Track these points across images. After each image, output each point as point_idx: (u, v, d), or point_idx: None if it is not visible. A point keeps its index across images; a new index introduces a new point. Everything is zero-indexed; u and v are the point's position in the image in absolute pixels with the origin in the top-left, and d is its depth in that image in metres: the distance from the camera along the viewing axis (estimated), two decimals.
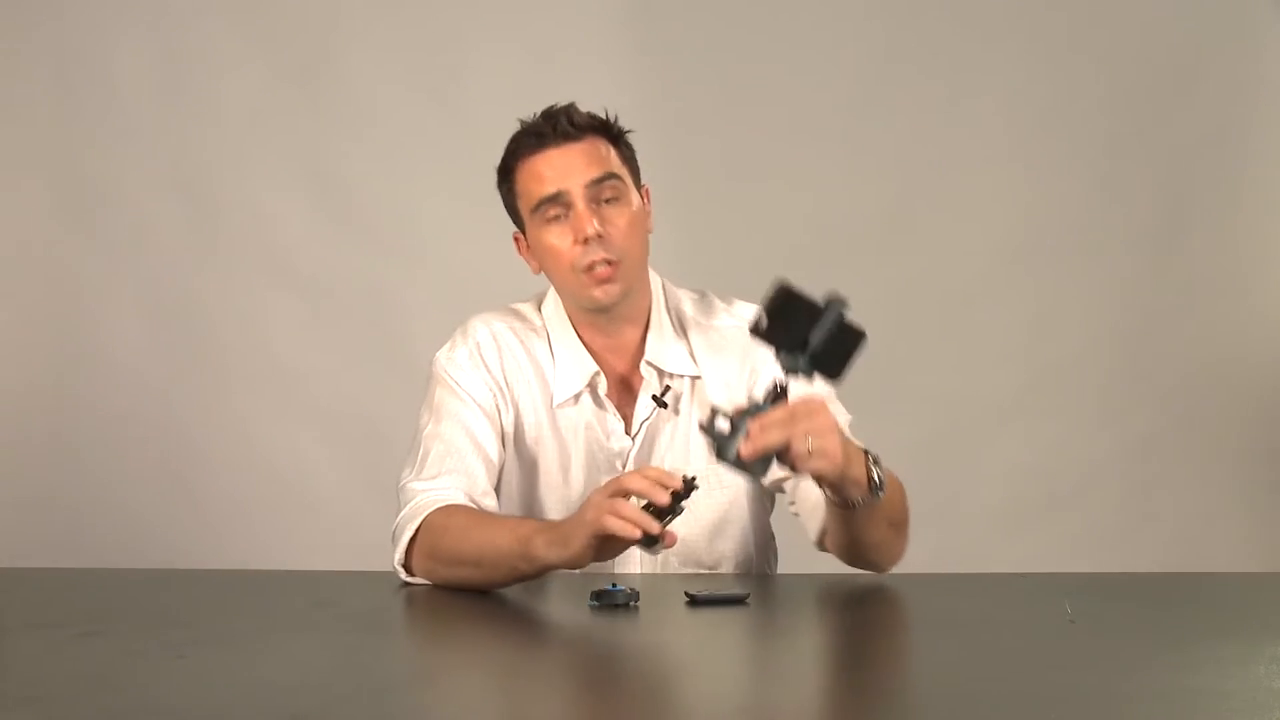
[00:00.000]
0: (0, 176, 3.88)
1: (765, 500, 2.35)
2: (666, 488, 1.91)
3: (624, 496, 1.92)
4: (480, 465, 2.25)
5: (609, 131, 2.29)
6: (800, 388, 1.93)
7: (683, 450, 2.29)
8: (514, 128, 2.30)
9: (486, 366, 2.30)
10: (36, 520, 3.81)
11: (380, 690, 1.54)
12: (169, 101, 3.89)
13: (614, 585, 1.95)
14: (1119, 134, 3.97)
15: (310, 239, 3.90)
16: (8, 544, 3.64)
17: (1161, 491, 3.97)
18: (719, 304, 2.36)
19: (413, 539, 2.17)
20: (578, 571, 2.05)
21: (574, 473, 2.30)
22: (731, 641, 1.89)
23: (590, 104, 2.29)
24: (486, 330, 2.33)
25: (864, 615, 2.07)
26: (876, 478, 2.03)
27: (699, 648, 1.83)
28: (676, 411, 2.30)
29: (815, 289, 1.90)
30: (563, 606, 2.05)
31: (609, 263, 2.22)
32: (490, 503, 2.24)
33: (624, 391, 2.31)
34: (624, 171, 2.27)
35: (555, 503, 2.30)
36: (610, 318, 2.29)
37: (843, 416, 2.18)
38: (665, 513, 1.91)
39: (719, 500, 2.29)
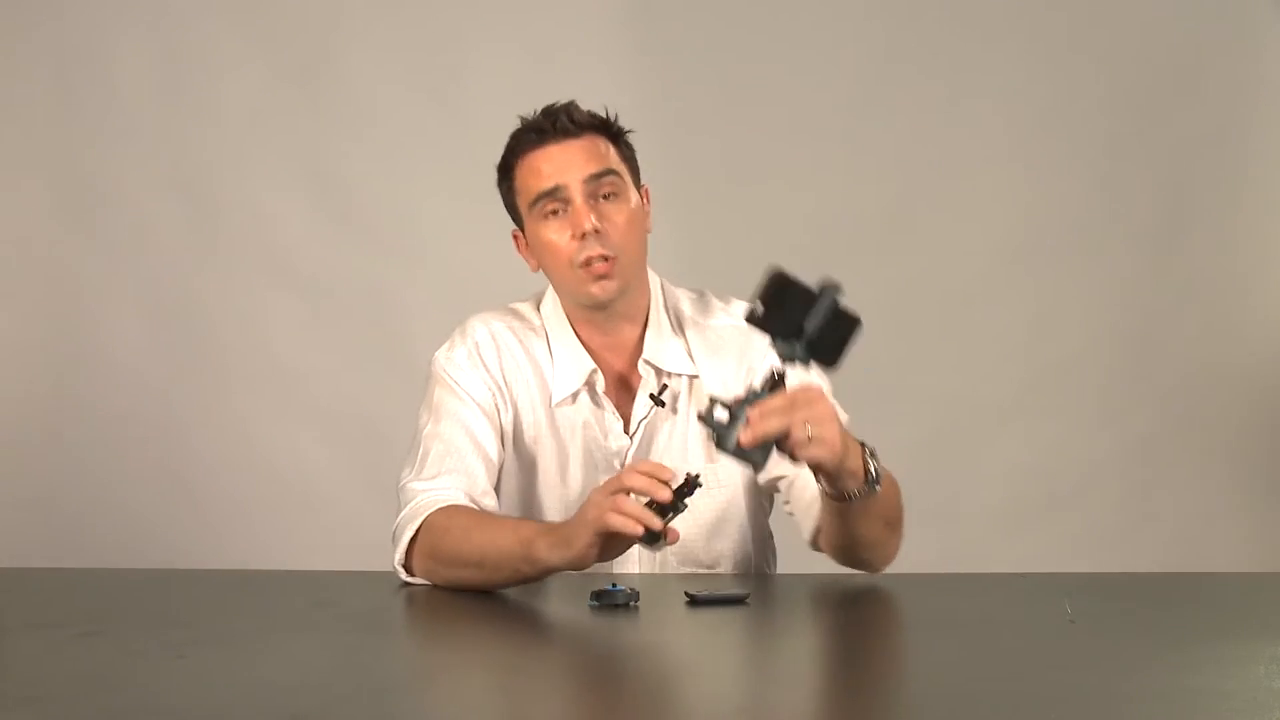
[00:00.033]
0: (0, 176, 3.88)
1: (763, 500, 2.35)
2: (664, 482, 1.91)
3: (624, 494, 1.92)
4: (480, 465, 2.25)
5: (609, 130, 2.29)
6: (798, 376, 1.93)
7: (680, 449, 2.29)
8: (514, 127, 2.30)
9: (485, 366, 2.31)
10: (36, 520, 3.81)
11: (380, 690, 1.54)
12: (169, 101, 3.89)
13: (614, 585, 1.95)
14: (1119, 134, 3.97)
15: (310, 239, 3.90)
16: (8, 544, 3.64)
17: (1161, 491, 3.97)
18: (717, 303, 2.36)
19: (413, 539, 2.17)
20: (576, 572, 2.04)
21: (572, 471, 2.30)
22: (731, 641, 1.89)
23: (590, 104, 2.30)
24: (485, 330, 2.33)
25: (864, 615, 2.07)
26: (873, 470, 2.02)
27: (699, 648, 1.83)
28: (674, 410, 2.30)
29: (811, 281, 1.89)
30: (563, 606, 2.05)
31: (606, 258, 2.22)
32: (490, 502, 2.24)
33: (622, 390, 2.31)
34: (623, 169, 2.28)
35: (553, 502, 2.30)
36: (608, 316, 2.29)
37: (841, 415, 2.18)
38: (667, 509, 1.91)
39: (717, 499, 2.29)
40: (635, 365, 2.30)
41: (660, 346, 2.30)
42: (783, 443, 1.90)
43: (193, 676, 1.61)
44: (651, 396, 2.28)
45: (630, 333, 2.31)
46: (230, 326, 3.89)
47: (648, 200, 2.32)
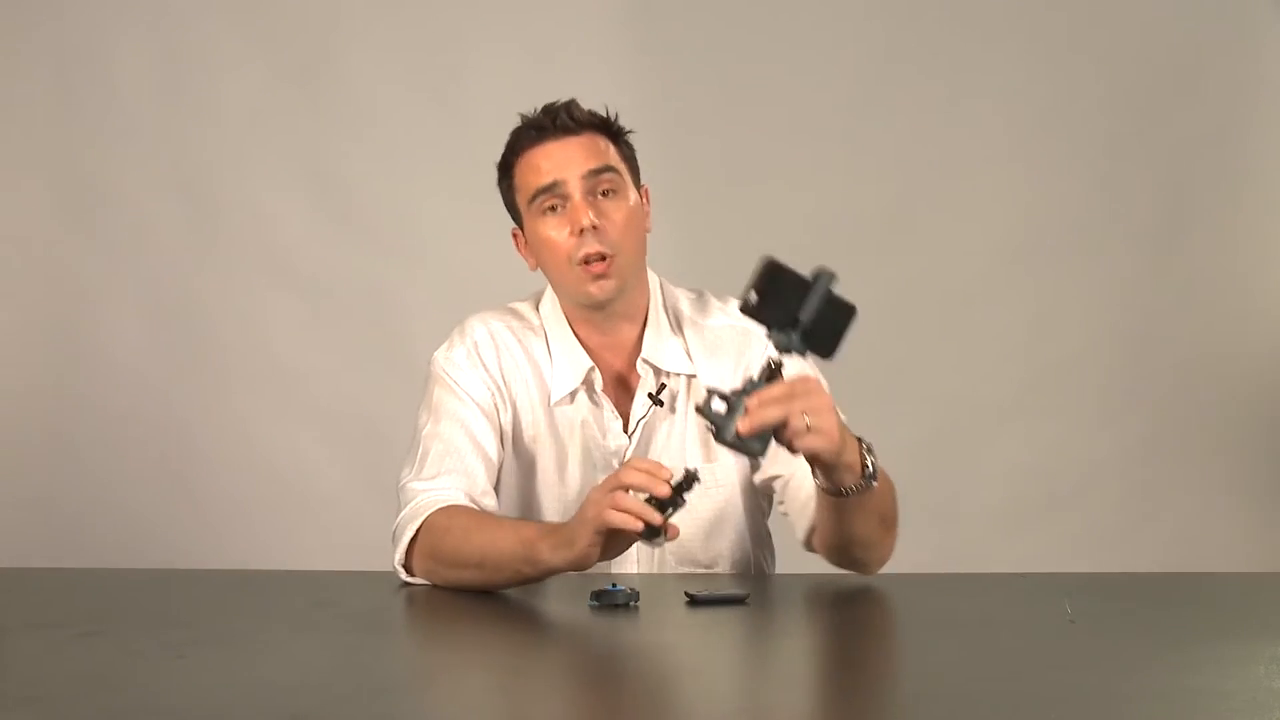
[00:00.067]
0: (0, 176, 3.88)
1: (761, 500, 2.35)
2: (662, 478, 1.90)
3: (623, 491, 1.92)
4: (480, 465, 2.25)
5: (609, 128, 2.29)
6: (795, 366, 1.92)
7: (679, 448, 2.29)
8: (514, 127, 2.30)
9: (484, 365, 2.31)
10: (36, 520, 3.81)
11: (380, 690, 1.54)
12: (169, 101, 3.89)
13: (614, 585, 1.95)
14: (1119, 134, 3.97)
15: (310, 239, 3.90)
16: (8, 544, 3.64)
17: (1161, 491, 3.97)
18: (715, 303, 2.36)
19: (413, 539, 2.17)
20: (575, 572, 2.04)
21: (570, 470, 2.30)
22: (731, 641, 1.89)
23: (590, 104, 2.30)
24: (484, 329, 2.33)
25: (864, 615, 2.07)
26: (870, 465, 2.02)
27: (699, 648, 1.83)
28: (673, 410, 2.30)
29: (806, 272, 1.89)
30: (563, 606, 2.05)
31: (604, 257, 2.22)
32: (490, 502, 2.24)
33: (621, 390, 2.31)
34: (622, 167, 2.28)
35: (552, 501, 2.30)
36: (606, 315, 2.29)
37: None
38: (666, 505, 1.90)
39: (714, 499, 2.29)
40: (634, 364, 2.30)
41: (659, 346, 2.30)
42: (780, 433, 1.89)
43: (193, 676, 1.61)
44: (650, 396, 2.28)
45: (629, 332, 2.31)
46: (230, 326, 3.89)
47: (647, 200, 2.32)
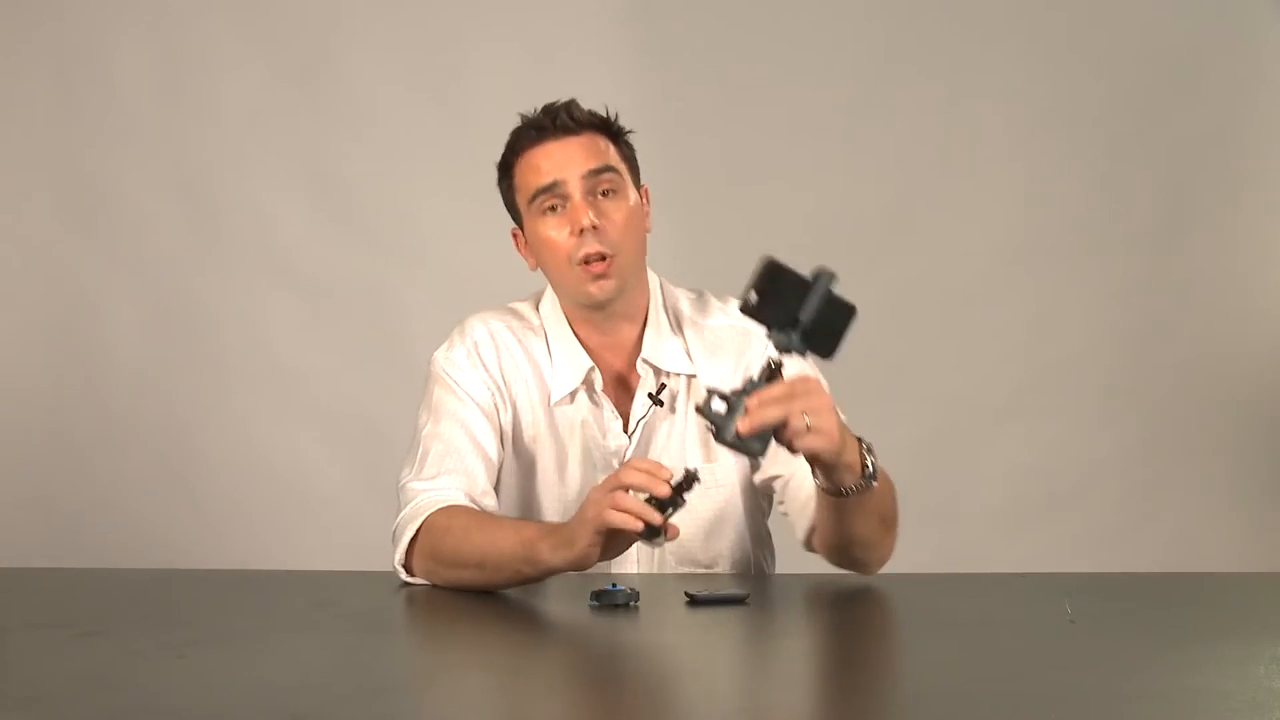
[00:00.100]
0: (0, 176, 3.88)
1: (761, 500, 2.34)
2: (662, 478, 1.90)
3: (623, 491, 1.92)
4: (480, 465, 2.25)
5: (609, 128, 2.29)
6: (795, 366, 1.92)
7: (679, 448, 2.29)
8: (514, 127, 2.30)
9: (484, 365, 2.30)
10: (36, 520, 3.81)
11: (380, 690, 1.54)
12: (169, 101, 3.89)
13: (614, 585, 1.95)
14: (1119, 134, 3.97)
15: (310, 239, 3.90)
16: (8, 544, 3.64)
17: (1161, 491, 3.97)
18: (715, 303, 2.36)
19: (413, 540, 2.17)
20: (575, 572, 2.04)
21: (570, 470, 2.30)
22: (731, 641, 1.89)
23: (590, 104, 2.30)
24: (484, 329, 2.33)
25: (864, 615, 2.07)
26: (870, 465, 2.02)
27: (699, 648, 1.83)
28: (673, 410, 2.30)
29: (805, 272, 1.89)
30: (563, 606, 2.05)
31: (604, 257, 2.22)
32: (490, 502, 2.24)
33: (621, 390, 2.31)
34: (622, 167, 2.28)
35: (551, 501, 2.30)
36: (606, 315, 2.29)
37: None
38: (666, 504, 1.90)
39: (714, 499, 2.29)
40: (634, 364, 2.30)
41: (659, 346, 2.30)
42: (780, 432, 1.89)
43: (193, 676, 1.61)
44: (650, 396, 2.28)
45: (629, 332, 2.31)
46: (230, 326, 3.89)
47: (647, 201, 2.32)
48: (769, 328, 1.87)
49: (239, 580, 2.46)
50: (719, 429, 1.86)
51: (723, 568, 2.32)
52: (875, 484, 2.03)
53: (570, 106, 2.27)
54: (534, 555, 2.01)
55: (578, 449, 2.30)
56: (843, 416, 2.09)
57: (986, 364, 3.96)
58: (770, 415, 1.87)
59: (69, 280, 3.89)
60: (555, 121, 2.25)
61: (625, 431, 2.29)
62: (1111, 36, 3.98)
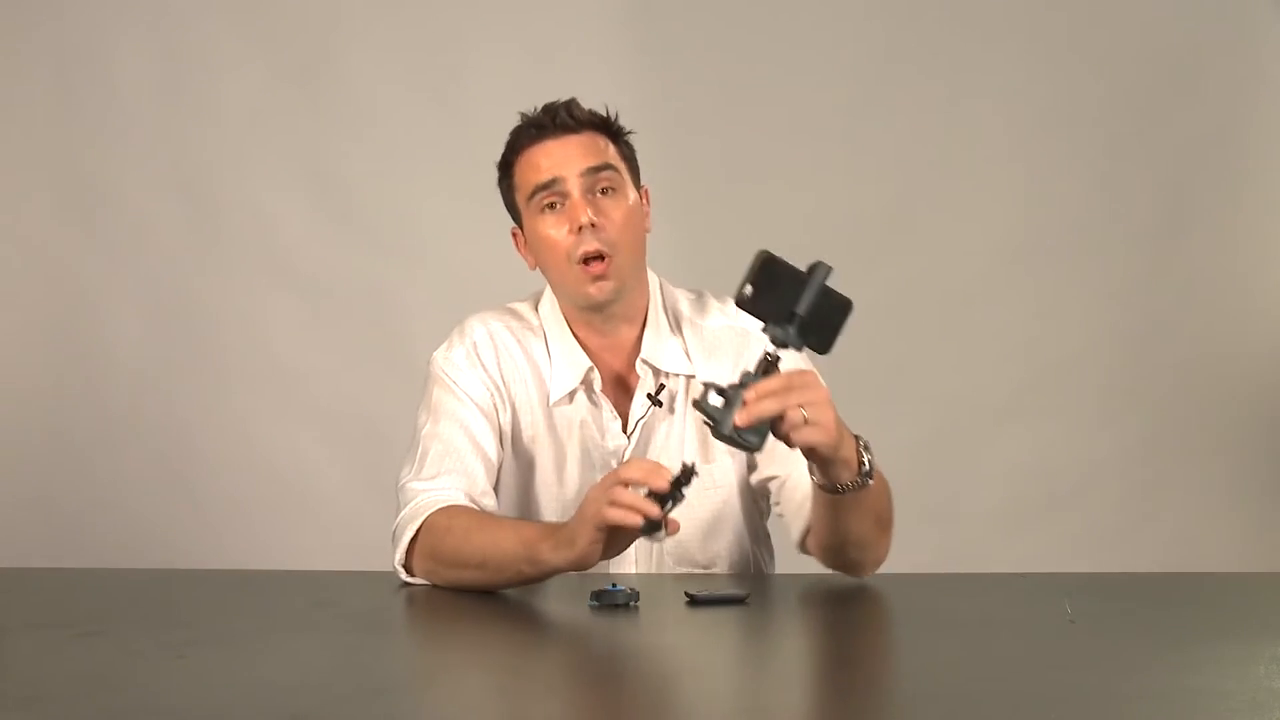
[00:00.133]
0: (0, 176, 3.88)
1: (759, 500, 2.34)
2: (661, 473, 1.90)
3: (621, 486, 1.92)
4: (479, 465, 2.25)
5: (608, 128, 2.29)
6: (791, 361, 1.92)
7: (677, 449, 2.28)
8: (514, 127, 2.30)
9: (483, 366, 2.30)
10: (36, 520, 3.81)
11: (380, 690, 1.54)
12: (169, 101, 3.89)
13: (614, 585, 1.95)
14: (1119, 134, 3.97)
15: (310, 239, 3.90)
16: (8, 544, 3.65)
17: (1161, 491, 3.98)
18: (714, 304, 2.35)
19: (413, 540, 2.17)
20: (574, 573, 2.04)
21: (569, 470, 2.30)
22: (731, 641, 1.89)
23: (590, 104, 2.30)
24: (483, 329, 2.33)
25: (863, 615, 2.07)
26: (867, 462, 2.01)
27: (699, 648, 1.83)
28: (671, 410, 2.30)
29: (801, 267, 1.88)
30: (563, 606, 2.05)
31: (602, 256, 2.22)
32: (490, 502, 2.24)
33: (620, 390, 2.31)
34: (622, 166, 2.28)
35: (550, 501, 2.30)
36: (606, 317, 2.29)
37: None
38: (665, 499, 1.90)
39: (711, 500, 2.29)
40: (633, 365, 2.30)
41: (658, 346, 2.30)
42: (778, 426, 1.88)
43: (193, 676, 1.61)
44: (649, 396, 2.28)
45: (628, 333, 2.31)
46: (230, 326, 3.89)
47: (647, 201, 2.32)
48: (764, 321, 1.87)
49: (239, 580, 2.46)
50: (716, 423, 1.86)
51: (721, 568, 2.32)
52: (871, 482, 2.02)
53: (570, 105, 2.27)
54: (535, 555, 2.01)
55: (576, 449, 2.30)
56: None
57: (986, 364, 3.96)
58: (767, 408, 1.86)
59: (69, 280, 3.89)
60: (555, 120, 2.26)
61: (624, 432, 2.29)
62: (1111, 36, 3.98)
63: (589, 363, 2.29)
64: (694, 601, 1.97)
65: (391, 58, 3.91)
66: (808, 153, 3.95)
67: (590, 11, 3.93)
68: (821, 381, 1.95)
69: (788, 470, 2.22)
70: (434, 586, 2.16)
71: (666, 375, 2.29)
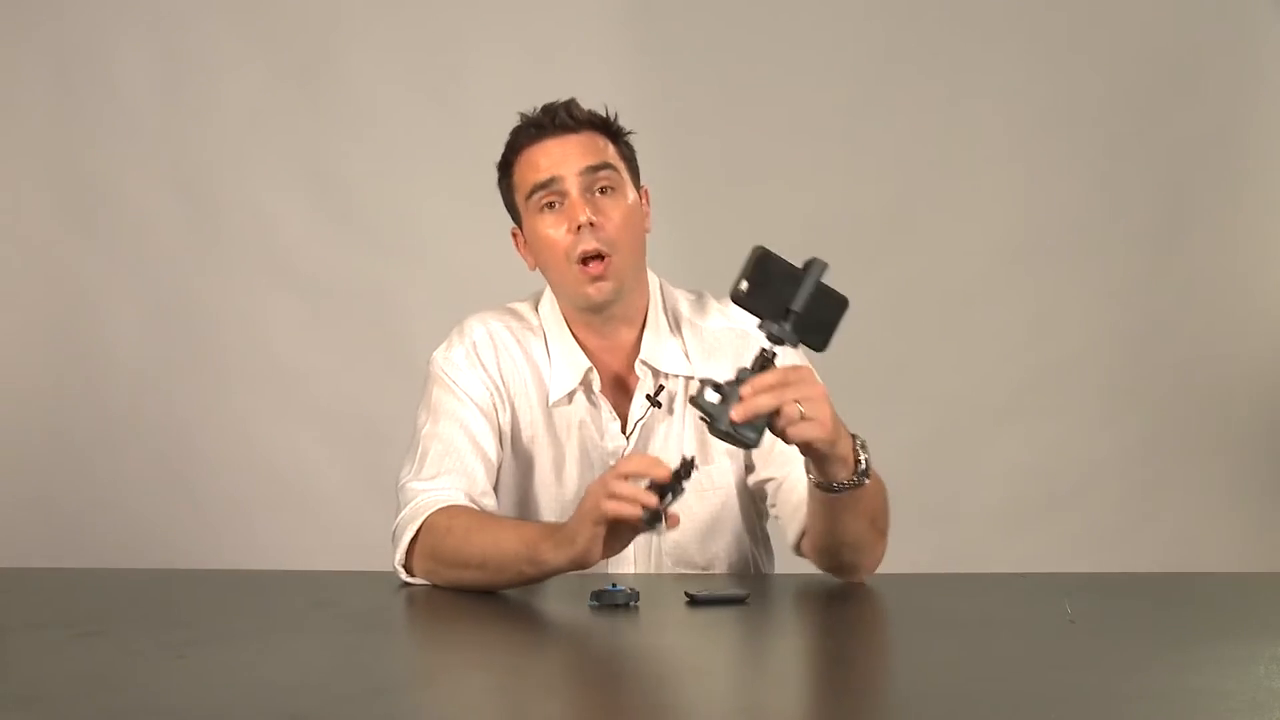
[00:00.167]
0: (0, 176, 3.88)
1: (758, 501, 2.34)
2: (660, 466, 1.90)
3: (620, 480, 1.92)
4: (479, 465, 2.25)
5: (608, 128, 2.29)
6: (787, 357, 1.92)
7: (676, 450, 2.28)
8: (514, 127, 2.31)
9: (483, 365, 2.30)
10: (36, 520, 3.81)
11: (380, 690, 1.54)
12: (169, 101, 3.89)
13: (614, 585, 1.94)
14: (1119, 134, 3.97)
15: (310, 239, 3.90)
16: (8, 544, 3.65)
17: (1161, 491, 3.98)
18: (714, 305, 2.35)
19: (413, 540, 2.17)
20: (573, 573, 2.04)
21: (568, 471, 2.30)
22: (732, 641, 1.89)
23: (590, 104, 2.30)
24: (483, 329, 2.33)
25: (864, 615, 2.07)
26: (863, 461, 2.00)
27: (699, 648, 1.83)
28: (671, 411, 2.29)
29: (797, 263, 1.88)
30: (563, 606, 2.05)
31: (601, 256, 2.22)
32: (490, 503, 2.24)
33: (619, 391, 2.31)
34: (621, 166, 2.27)
35: (549, 501, 2.30)
36: (605, 318, 2.28)
37: None
38: (665, 491, 1.90)
39: (710, 502, 2.29)
40: (632, 366, 2.30)
41: (657, 347, 2.30)
42: (774, 421, 1.88)
43: (193, 676, 1.61)
44: (648, 397, 2.28)
45: (628, 334, 2.31)
46: (230, 326, 3.89)
47: (647, 201, 2.32)
48: (760, 318, 1.86)
49: (239, 580, 2.46)
50: (713, 419, 1.85)
51: (720, 569, 2.32)
52: (868, 481, 2.01)
53: (570, 105, 2.27)
54: (536, 555, 2.01)
55: (575, 450, 2.30)
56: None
57: (986, 364, 3.96)
58: (764, 403, 1.86)
59: (69, 280, 3.89)
60: (554, 120, 2.26)
61: (623, 433, 2.29)
62: (1111, 36, 3.98)
63: (588, 363, 2.29)
64: (694, 601, 1.97)
65: (391, 58, 3.91)
66: (808, 153, 3.95)
67: (590, 11, 3.93)
68: (818, 377, 1.95)
69: (785, 472, 2.21)
70: (434, 586, 2.16)
71: (666, 376, 2.29)
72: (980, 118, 3.97)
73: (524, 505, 2.31)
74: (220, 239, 3.90)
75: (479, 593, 2.09)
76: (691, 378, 2.29)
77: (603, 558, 1.98)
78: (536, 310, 2.35)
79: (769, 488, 2.26)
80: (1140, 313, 3.99)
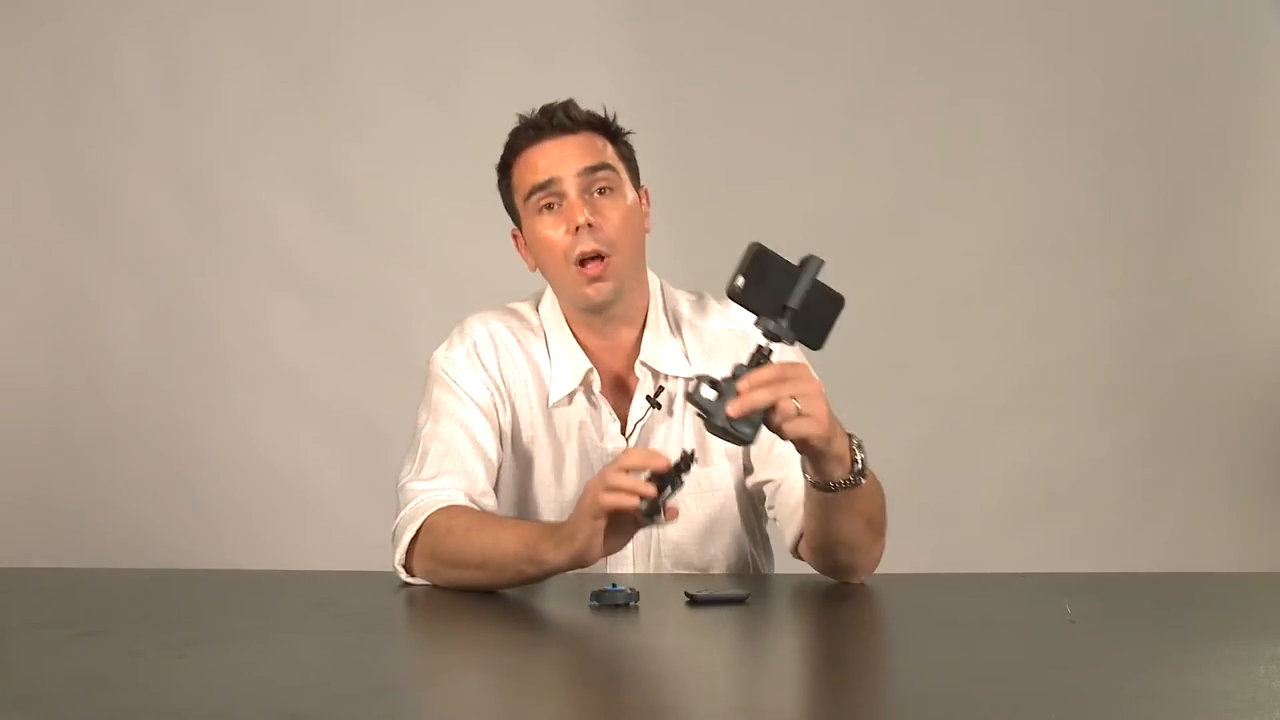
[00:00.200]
0: (0, 176, 3.88)
1: (757, 502, 2.33)
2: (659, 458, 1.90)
3: (617, 472, 1.91)
4: (479, 465, 2.25)
5: (606, 128, 2.29)
6: (783, 354, 1.92)
7: (676, 452, 2.27)
8: (514, 128, 2.30)
9: (484, 365, 2.30)
10: (36, 520, 3.81)
11: (380, 690, 1.54)
12: (169, 101, 3.89)
13: (614, 585, 1.94)
14: (1119, 134, 3.97)
15: (310, 239, 3.90)
16: (8, 544, 3.65)
17: (1161, 491, 3.98)
18: (715, 306, 2.35)
19: (413, 540, 2.17)
20: (573, 573, 2.04)
21: (568, 471, 2.30)
22: (731, 641, 1.89)
23: (590, 104, 2.30)
24: (484, 329, 2.33)
25: (863, 615, 2.07)
26: (859, 460, 2.00)
27: (699, 648, 1.83)
28: (670, 413, 2.29)
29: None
30: (563, 606, 2.05)
31: (600, 256, 2.22)
32: (490, 503, 2.24)
33: (619, 392, 2.31)
34: (619, 166, 2.27)
35: (548, 502, 2.30)
36: (605, 319, 2.28)
37: None
38: (665, 483, 1.90)
39: (709, 504, 2.29)
40: (632, 367, 2.30)
41: (658, 348, 2.29)
42: (770, 417, 1.88)
43: (193, 676, 1.61)
44: (648, 398, 2.27)
45: (628, 335, 2.31)
46: (230, 326, 3.89)
47: (647, 201, 2.32)
48: (756, 314, 1.86)
49: (239, 580, 2.46)
50: (709, 415, 1.85)
51: (719, 570, 2.32)
52: (864, 480, 2.01)
53: (568, 106, 2.27)
54: (537, 555, 2.01)
55: (575, 451, 2.30)
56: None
57: (986, 364, 3.96)
58: (760, 398, 1.86)
59: (69, 280, 3.89)
60: (552, 121, 2.26)
61: (623, 434, 2.29)
62: (1111, 36, 3.98)
63: (589, 364, 2.29)
64: (694, 601, 1.97)
65: (391, 58, 3.91)
66: (808, 153, 3.95)
67: (590, 11, 3.93)
68: (814, 374, 1.95)
69: (783, 474, 2.21)
70: (434, 586, 2.16)
71: (665, 377, 2.29)
72: (980, 118, 3.97)
73: (523, 506, 2.31)
74: (220, 239, 3.90)
75: (479, 593, 2.09)
76: (691, 379, 2.29)
77: (604, 554, 1.98)
78: (537, 310, 2.35)
79: (767, 489, 2.26)
80: (1140, 313, 3.99)
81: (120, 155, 3.87)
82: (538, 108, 2.29)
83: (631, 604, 1.93)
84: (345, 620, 1.99)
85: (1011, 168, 3.98)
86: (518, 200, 2.29)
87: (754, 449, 2.25)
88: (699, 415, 1.87)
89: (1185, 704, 1.47)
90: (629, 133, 2.31)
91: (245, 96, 3.89)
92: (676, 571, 2.30)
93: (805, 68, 3.95)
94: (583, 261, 2.22)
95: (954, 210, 3.97)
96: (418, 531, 2.16)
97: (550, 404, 2.30)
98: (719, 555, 2.31)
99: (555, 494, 2.30)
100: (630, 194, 2.28)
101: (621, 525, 1.95)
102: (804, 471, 2.03)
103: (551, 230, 2.24)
